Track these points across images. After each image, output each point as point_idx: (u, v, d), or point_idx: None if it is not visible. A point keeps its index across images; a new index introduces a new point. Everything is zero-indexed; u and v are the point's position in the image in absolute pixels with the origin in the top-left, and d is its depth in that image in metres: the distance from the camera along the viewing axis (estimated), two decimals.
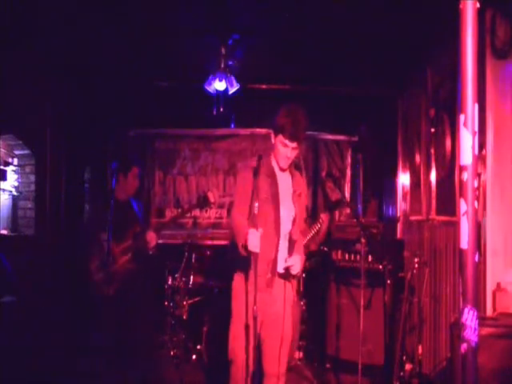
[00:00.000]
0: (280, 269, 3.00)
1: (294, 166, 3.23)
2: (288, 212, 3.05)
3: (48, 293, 4.80)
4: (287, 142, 2.93)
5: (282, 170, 3.08)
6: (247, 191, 2.97)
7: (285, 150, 2.96)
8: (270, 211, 2.97)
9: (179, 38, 4.66)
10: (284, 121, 2.92)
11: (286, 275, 3.02)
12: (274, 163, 3.08)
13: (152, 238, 3.93)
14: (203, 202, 4.00)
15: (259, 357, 3.04)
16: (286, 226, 3.04)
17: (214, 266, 5.27)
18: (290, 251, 3.03)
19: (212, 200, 3.97)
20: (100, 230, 3.82)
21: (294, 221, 3.06)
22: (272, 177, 3.04)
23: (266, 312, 2.98)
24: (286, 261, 2.97)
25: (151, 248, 3.96)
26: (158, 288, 5.06)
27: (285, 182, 3.10)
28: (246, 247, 2.78)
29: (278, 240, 2.99)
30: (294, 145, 2.95)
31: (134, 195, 4.18)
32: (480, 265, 3.25)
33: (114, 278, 3.75)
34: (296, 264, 2.95)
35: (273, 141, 3.02)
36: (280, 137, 2.94)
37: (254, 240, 2.74)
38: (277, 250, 2.99)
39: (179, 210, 4.05)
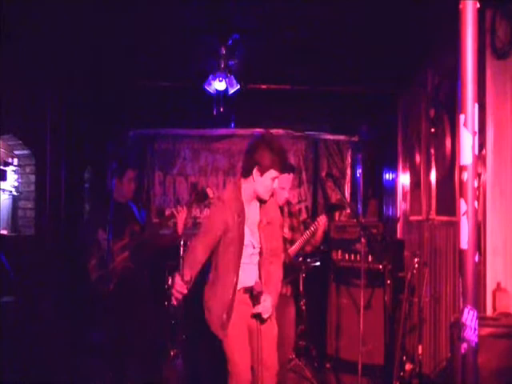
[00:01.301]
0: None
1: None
2: (251, 243, 2.95)
3: (48, 293, 4.80)
4: (278, 173, 2.88)
5: (260, 200, 2.98)
6: (214, 228, 2.90)
7: (272, 182, 2.90)
8: (231, 256, 2.89)
9: (179, 37, 4.66)
10: (272, 158, 2.84)
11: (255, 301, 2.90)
12: (244, 195, 2.95)
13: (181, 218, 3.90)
14: (202, 197, 3.98)
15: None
16: (250, 256, 2.94)
17: None
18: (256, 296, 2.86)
19: (211, 195, 3.95)
20: (98, 229, 3.81)
21: (260, 251, 2.95)
22: (239, 213, 2.90)
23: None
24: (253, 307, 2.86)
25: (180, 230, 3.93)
26: (157, 288, 5.06)
27: (252, 212, 2.98)
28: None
29: (236, 284, 2.89)
30: (278, 175, 2.90)
31: (132, 199, 4.12)
32: (480, 265, 3.25)
33: (113, 276, 3.74)
34: (265, 309, 2.83)
35: (254, 177, 2.89)
36: (271, 172, 2.85)
37: (177, 286, 2.72)
38: (233, 296, 2.88)
39: (177, 206, 4.01)
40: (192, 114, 6.06)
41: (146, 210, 5.73)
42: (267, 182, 2.88)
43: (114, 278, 3.75)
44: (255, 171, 2.87)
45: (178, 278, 2.73)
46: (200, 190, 4.09)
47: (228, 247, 2.89)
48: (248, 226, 2.93)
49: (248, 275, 2.93)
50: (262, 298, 2.83)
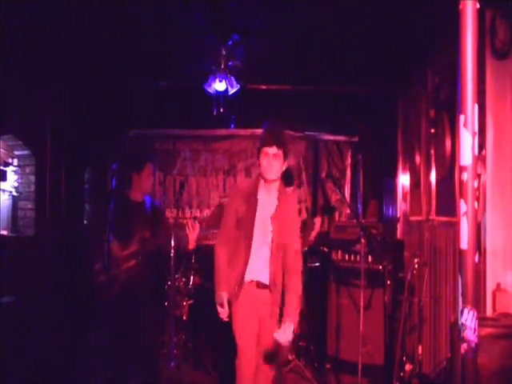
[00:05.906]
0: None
1: (287, 182, 3.32)
2: (263, 233, 3.11)
3: (48, 293, 4.80)
4: (266, 149, 3.04)
5: (269, 183, 3.13)
6: (229, 218, 3.18)
7: (266, 160, 3.05)
8: (242, 233, 3.11)
9: (179, 38, 4.66)
10: (262, 138, 3.14)
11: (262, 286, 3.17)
12: (260, 184, 3.16)
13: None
14: (181, 188, 3.99)
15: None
16: (261, 247, 3.12)
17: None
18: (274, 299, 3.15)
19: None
20: (104, 231, 3.78)
21: (271, 244, 3.12)
22: (250, 200, 3.12)
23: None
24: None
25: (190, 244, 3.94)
26: (159, 289, 5.05)
27: (266, 204, 3.14)
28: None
29: (247, 258, 3.11)
30: (274, 150, 3.03)
31: (149, 193, 4.09)
32: (480, 265, 3.24)
33: (116, 281, 3.72)
34: (285, 338, 2.96)
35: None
36: (262, 150, 3.08)
37: (221, 313, 3.09)
38: (244, 268, 3.11)
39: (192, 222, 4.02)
40: (192, 114, 6.05)
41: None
42: (262, 161, 3.07)
43: (117, 284, 3.72)
44: (258, 156, 3.12)
45: (220, 309, 3.08)
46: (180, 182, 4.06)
47: (240, 228, 3.12)
48: (261, 213, 3.11)
49: (257, 268, 3.12)
50: (283, 326, 2.99)
